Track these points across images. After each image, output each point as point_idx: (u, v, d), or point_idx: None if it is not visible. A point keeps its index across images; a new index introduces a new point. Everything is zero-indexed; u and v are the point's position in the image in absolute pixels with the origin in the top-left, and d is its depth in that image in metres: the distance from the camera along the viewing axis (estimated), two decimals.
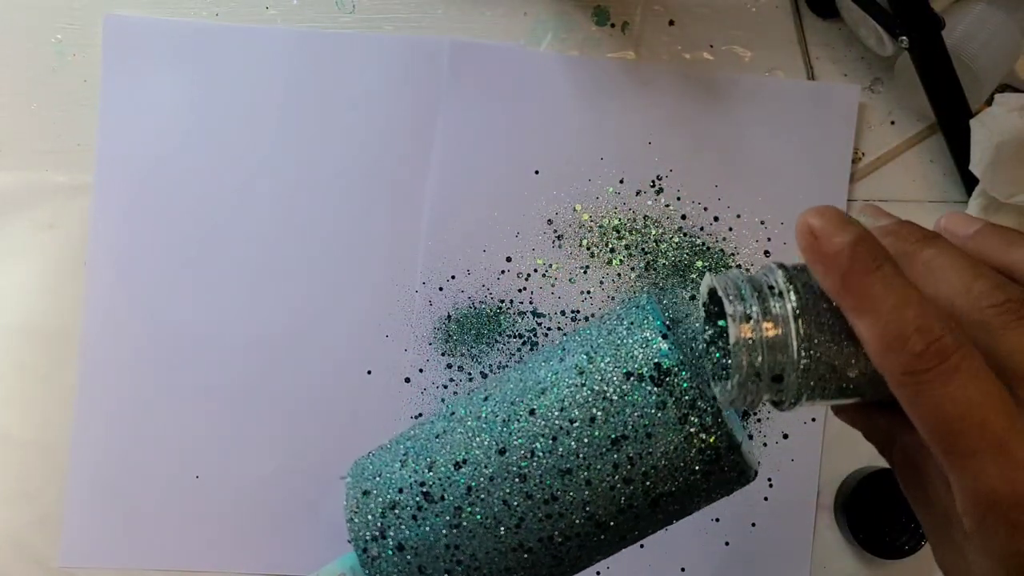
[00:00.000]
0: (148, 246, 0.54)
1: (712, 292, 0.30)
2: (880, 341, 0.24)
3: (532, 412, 0.30)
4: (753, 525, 0.54)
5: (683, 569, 0.54)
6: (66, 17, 0.54)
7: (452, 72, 0.54)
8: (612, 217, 0.55)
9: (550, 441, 0.29)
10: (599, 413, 0.29)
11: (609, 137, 0.55)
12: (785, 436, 0.54)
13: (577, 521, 0.29)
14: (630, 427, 0.28)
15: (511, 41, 0.55)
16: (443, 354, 0.54)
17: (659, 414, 0.28)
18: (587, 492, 0.29)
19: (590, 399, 0.29)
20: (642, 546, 0.54)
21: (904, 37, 0.50)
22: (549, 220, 0.55)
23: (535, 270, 0.54)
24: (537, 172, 0.55)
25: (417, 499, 0.30)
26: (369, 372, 0.54)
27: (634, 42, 0.56)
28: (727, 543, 0.54)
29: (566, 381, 0.30)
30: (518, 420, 0.30)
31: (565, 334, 0.33)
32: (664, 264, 0.54)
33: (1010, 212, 0.53)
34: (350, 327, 0.54)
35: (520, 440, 0.29)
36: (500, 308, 0.54)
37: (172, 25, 0.54)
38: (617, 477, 0.29)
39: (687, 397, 0.28)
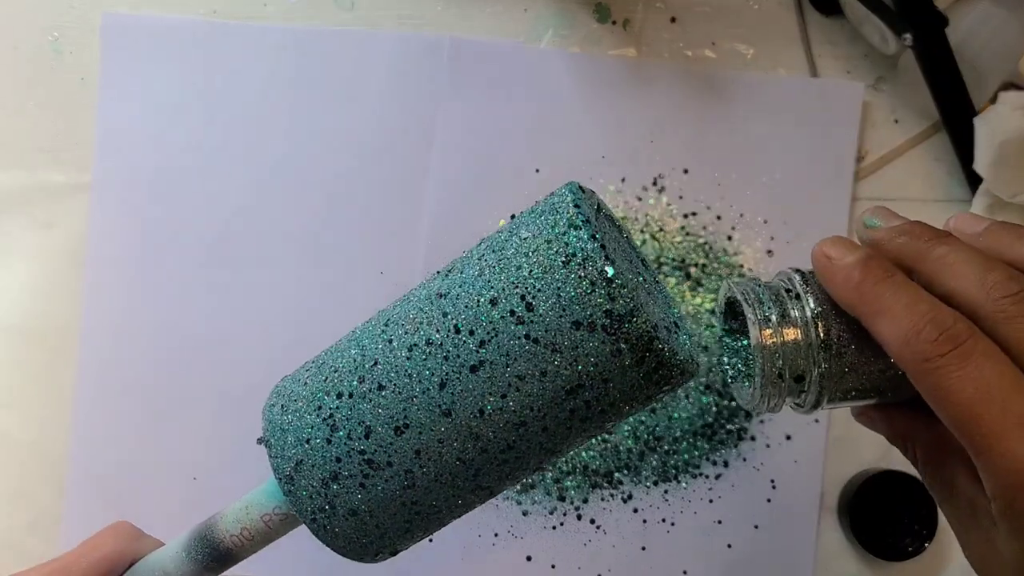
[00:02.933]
0: (147, 245, 0.53)
1: (729, 301, 0.31)
2: (897, 337, 0.25)
3: (473, 369, 0.27)
4: (756, 527, 0.54)
5: (685, 572, 0.53)
6: (64, 15, 0.54)
7: (452, 69, 0.54)
8: None
9: (499, 399, 0.27)
10: (550, 367, 0.27)
11: (610, 135, 0.54)
12: (788, 437, 0.54)
13: (534, 458, 0.29)
14: (585, 376, 0.27)
15: (511, 38, 0.55)
16: None
17: (615, 360, 0.26)
18: (544, 437, 0.28)
19: (538, 353, 0.27)
20: (644, 548, 0.53)
21: (908, 35, 0.50)
22: None
23: None
24: (538, 170, 0.54)
25: (361, 468, 0.29)
26: None
27: (635, 39, 0.55)
28: (729, 545, 0.54)
29: (506, 331, 0.27)
30: (459, 380, 0.28)
31: (472, 250, 0.30)
32: (667, 263, 0.54)
33: (1014, 211, 0.53)
34: (350, 326, 0.54)
35: (466, 401, 0.28)
36: None
37: (170, 23, 0.54)
38: (574, 419, 0.28)
39: (644, 340, 0.26)
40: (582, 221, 0.27)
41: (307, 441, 0.30)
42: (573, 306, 0.26)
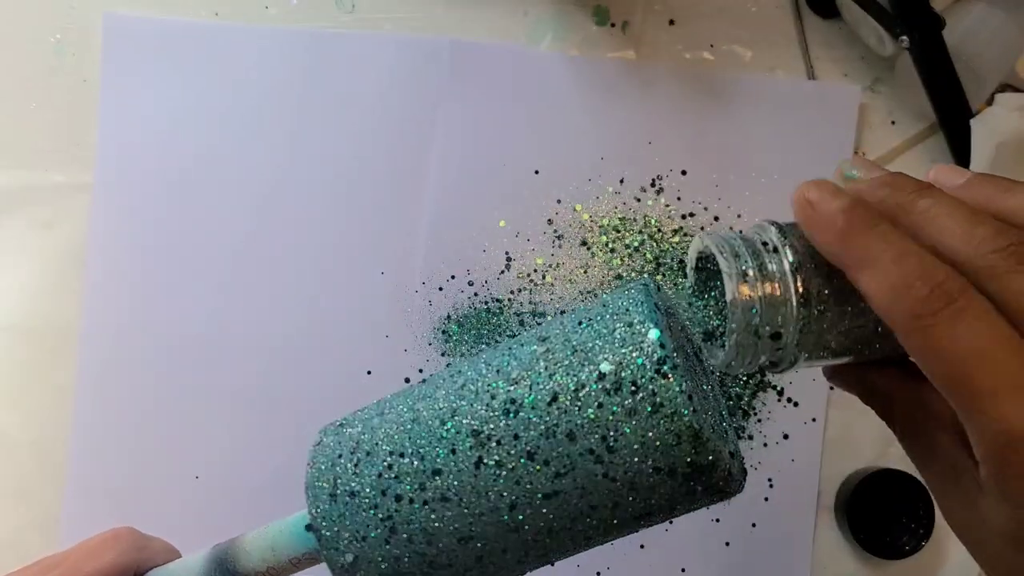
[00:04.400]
0: (147, 245, 0.54)
1: (701, 257, 0.30)
2: (884, 291, 0.24)
3: (546, 497, 0.27)
4: (753, 526, 0.54)
5: (683, 570, 0.54)
6: (65, 16, 0.54)
7: (452, 72, 0.54)
8: (612, 217, 0.55)
9: (568, 521, 0.28)
10: (623, 501, 0.27)
11: (609, 137, 0.55)
12: (786, 436, 0.54)
13: (589, 549, 0.30)
14: (655, 507, 0.27)
15: (511, 41, 0.55)
16: (443, 354, 0.54)
17: (688, 496, 0.27)
18: (605, 542, 0.29)
19: (615, 490, 0.27)
20: (642, 547, 0.54)
21: (905, 37, 0.50)
22: (549, 220, 0.55)
23: (535, 270, 0.54)
24: (537, 172, 0.55)
25: (421, 567, 0.29)
26: (369, 372, 0.54)
27: (634, 42, 0.55)
28: (727, 543, 0.54)
29: (584, 468, 0.27)
30: (531, 505, 0.27)
31: (536, 353, 0.29)
32: (665, 264, 0.54)
33: None
34: (350, 327, 0.54)
35: (536, 522, 0.28)
36: (500, 308, 0.54)
37: (172, 24, 0.54)
38: (635, 530, 0.29)
39: (720, 484, 0.27)
40: (670, 368, 0.26)
41: (364, 539, 0.29)
42: (656, 453, 0.26)
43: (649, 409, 0.26)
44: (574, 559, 0.53)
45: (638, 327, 0.27)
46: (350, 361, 0.54)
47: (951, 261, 0.24)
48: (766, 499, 0.54)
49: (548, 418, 0.27)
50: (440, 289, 0.54)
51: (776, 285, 0.26)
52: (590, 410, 0.26)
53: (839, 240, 0.25)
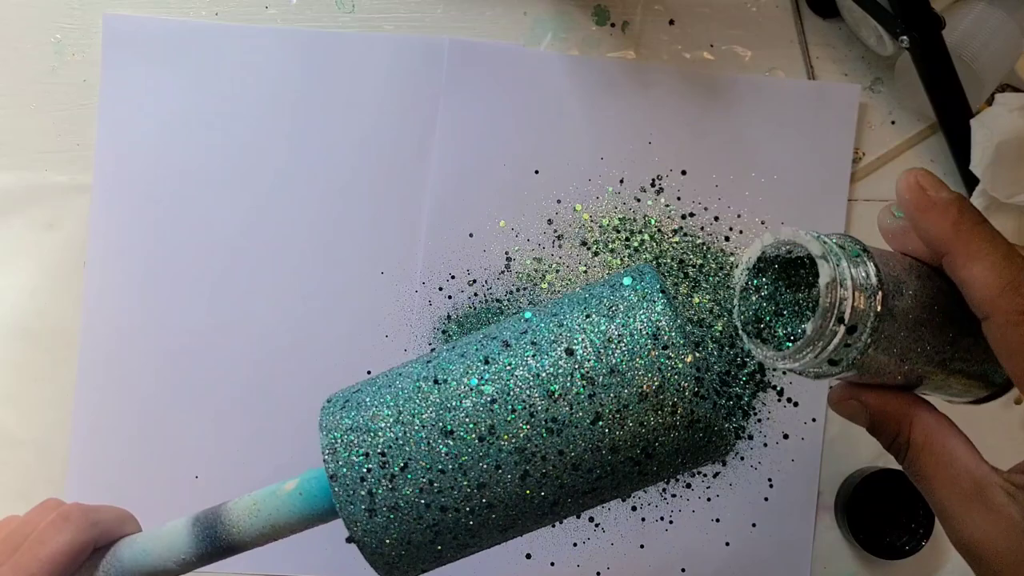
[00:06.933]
0: (148, 246, 0.54)
1: (762, 256, 0.30)
2: (994, 283, 0.26)
3: (585, 494, 0.30)
4: (753, 525, 0.54)
5: (683, 569, 0.54)
6: (65, 17, 0.54)
7: (452, 72, 0.54)
8: (612, 217, 0.55)
9: (598, 504, 0.31)
10: (649, 483, 0.31)
11: (609, 137, 0.55)
12: (785, 436, 0.54)
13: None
14: (668, 480, 0.32)
15: (511, 40, 0.55)
16: None
17: (695, 470, 0.32)
18: (615, 496, 0.32)
19: (646, 480, 0.31)
20: (642, 547, 0.54)
21: (905, 37, 0.50)
22: (549, 220, 0.55)
23: (535, 270, 0.54)
24: (537, 172, 0.55)
25: (460, 551, 0.32)
26: (369, 372, 0.54)
27: (634, 42, 0.55)
28: (727, 543, 0.54)
29: (624, 471, 0.30)
30: (572, 501, 0.30)
31: (568, 367, 0.30)
32: (665, 264, 0.54)
33: (1010, 212, 0.53)
34: (350, 327, 0.54)
35: (572, 510, 0.31)
36: (500, 308, 0.54)
37: (172, 24, 0.54)
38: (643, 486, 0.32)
39: (724, 456, 0.32)
40: (707, 390, 0.29)
41: (409, 543, 0.31)
42: (687, 454, 0.30)
43: (686, 424, 0.29)
44: (574, 560, 0.53)
45: (675, 351, 0.29)
46: (350, 361, 0.54)
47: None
48: (766, 499, 0.54)
49: (592, 436, 0.29)
50: (440, 289, 0.54)
51: (861, 278, 0.27)
52: (631, 427, 0.29)
53: (953, 228, 0.27)
